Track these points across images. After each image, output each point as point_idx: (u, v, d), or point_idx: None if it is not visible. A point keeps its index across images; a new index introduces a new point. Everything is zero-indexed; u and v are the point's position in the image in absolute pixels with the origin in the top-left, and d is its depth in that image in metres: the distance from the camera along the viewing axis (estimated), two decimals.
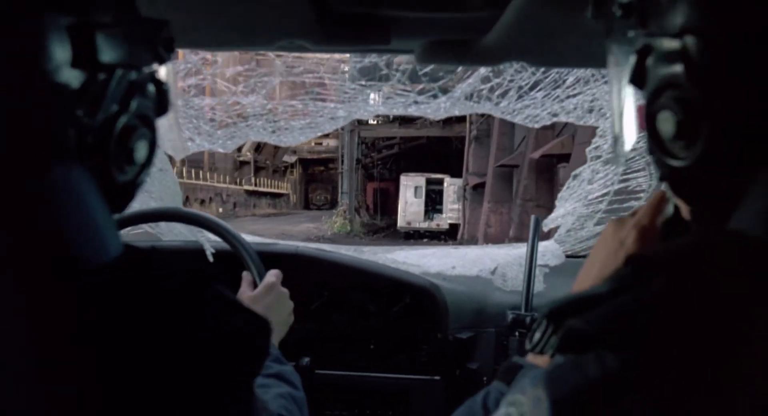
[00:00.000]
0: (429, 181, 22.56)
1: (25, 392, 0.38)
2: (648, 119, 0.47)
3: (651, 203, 0.62)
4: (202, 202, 24.56)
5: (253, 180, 32.90)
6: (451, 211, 21.81)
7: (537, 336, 0.63)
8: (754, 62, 0.41)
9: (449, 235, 20.60)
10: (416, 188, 22.49)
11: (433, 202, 22.59)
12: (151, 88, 0.49)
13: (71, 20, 0.42)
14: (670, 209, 0.59)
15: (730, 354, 0.35)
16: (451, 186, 21.92)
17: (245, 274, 1.10)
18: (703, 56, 0.42)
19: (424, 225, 22.29)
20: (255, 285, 1.07)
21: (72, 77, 0.42)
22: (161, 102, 0.51)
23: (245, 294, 1.05)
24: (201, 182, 25.54)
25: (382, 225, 26.52)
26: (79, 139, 0.43)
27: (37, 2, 0.41)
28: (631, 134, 0.54)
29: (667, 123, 0.45)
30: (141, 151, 0.48)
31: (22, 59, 0.40)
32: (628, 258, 0.41)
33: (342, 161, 25.50)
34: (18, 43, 0.40)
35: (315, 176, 41.72)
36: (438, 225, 22.09)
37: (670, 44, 0.44)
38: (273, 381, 0.85)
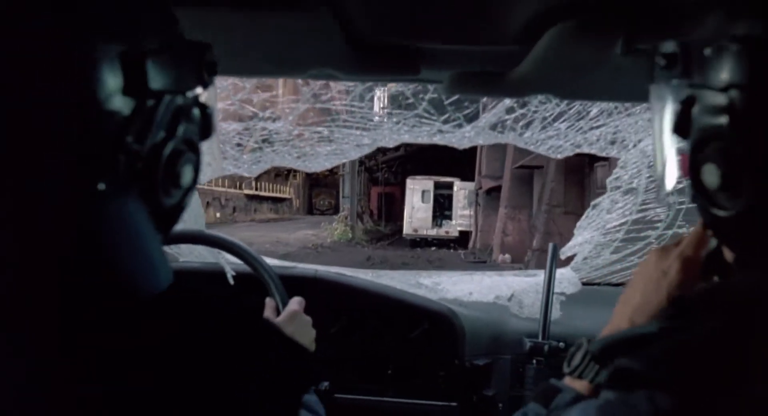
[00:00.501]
0: (437, 185, 20.95)
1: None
2: (692, 169, 0.48)
3: (695, 234, 0.61)
4: None
5: (253, 184, 32.51)
6: (461, 218, 20.17)
7: (576, 360, 0.63)
8: None
9: (459, 243, 19.29)
10: (423, 192, 20.94)
11: (442, 207, 20.84)
12: (196, 112, 0.50)
13: (123, 48, 0.42)
14: (713, 241, 0.59)
15: None
16: (461, 190, 20.38)
17: (268, 300, 1.10)
18: (749, 111, 0.43)
19: (432, 232, 20.50)
20: (278, 311, 1.07)
21: (123, 104, 0.43)
22: (205, 126, 0.51)
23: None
24: (198, 186, 25.13)
25: (387, 232, 24.65)
26: (129, 165, 0.44)
27: (89, 31, 0.41)
28: (672, 177, 0.54)
29: (711, 175, 0.45)
30: (187, 175, 0.49)
31: (75, 87, 0.41)
32: (675, 298, 0.42)
33: (344, 164, 24.78)
34: (71, 72, 0.41)
35: (319, 181, 41.43)
36: (447, 232, 20.34)
37: (716, 97, 0.44)
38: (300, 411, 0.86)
